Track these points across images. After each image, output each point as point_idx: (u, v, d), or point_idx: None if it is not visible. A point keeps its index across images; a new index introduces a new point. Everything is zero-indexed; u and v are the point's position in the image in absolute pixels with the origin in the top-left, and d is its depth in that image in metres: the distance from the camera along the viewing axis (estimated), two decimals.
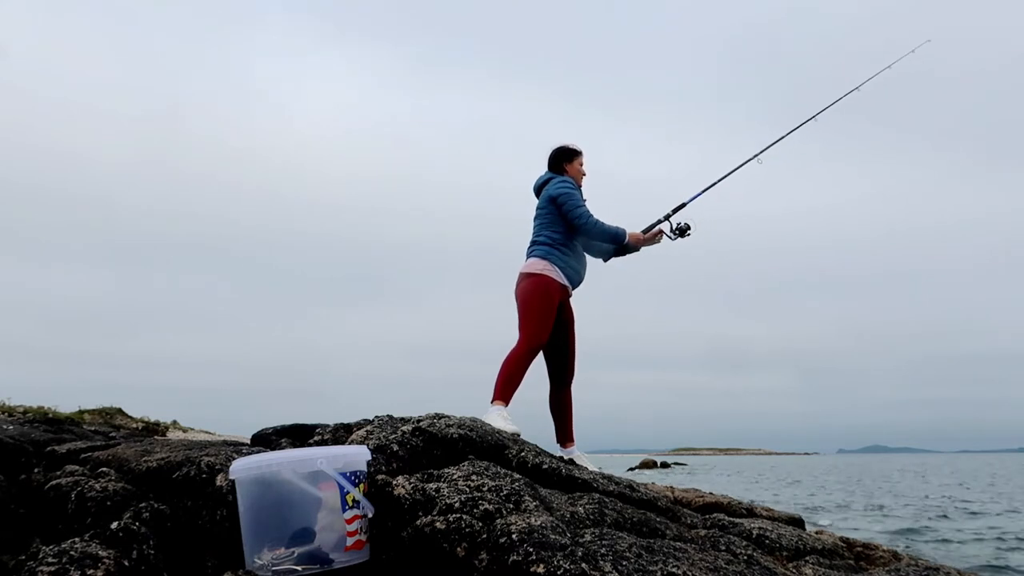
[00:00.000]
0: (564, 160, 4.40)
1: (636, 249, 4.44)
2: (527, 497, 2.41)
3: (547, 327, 4.14)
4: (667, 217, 4.43)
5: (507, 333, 4.24)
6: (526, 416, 4.06)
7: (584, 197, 4.38)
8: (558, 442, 4.36)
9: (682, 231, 4.40)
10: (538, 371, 4.18)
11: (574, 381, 4.41)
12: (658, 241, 4.43)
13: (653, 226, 4.41)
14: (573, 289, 4.33)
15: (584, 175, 4.43)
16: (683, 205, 4.44)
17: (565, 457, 3.96)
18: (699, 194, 4.48)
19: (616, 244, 4.31)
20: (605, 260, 4.51)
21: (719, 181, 4.53)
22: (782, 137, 4.69)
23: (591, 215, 4.20)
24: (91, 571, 1.91)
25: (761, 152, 4.61)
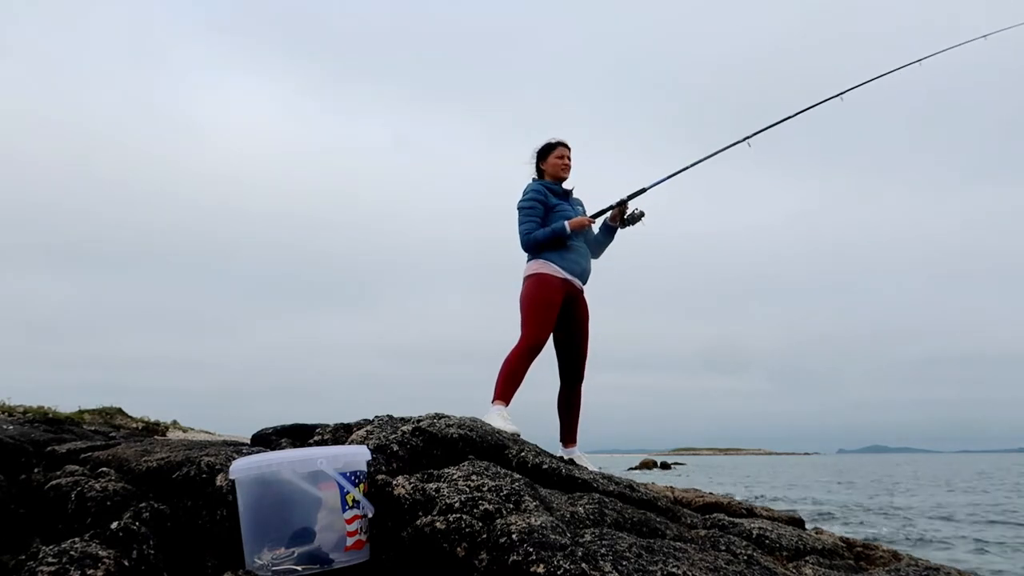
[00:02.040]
0: (540, 160, 4.38)
1: (612, 233, 4.40)
2: (527, 497, 2.42)
3: (546, 326, 4.13)
4: (622, 203, 4.35)
5: (506, 334, 4.24)
6: (526, 416, 4.06)
7: (568, 187, 4.36)
8: (561, 441, 4.35)
9: (633, 219, 4.35)
10: (538, 372, 4.18)
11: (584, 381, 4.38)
12: (617, 223, 4.37)
13: (604, 211, 4.37)
14: (582, 283, 4.28)
15: (567, 166, 4.36)
16: (643, 190, 4.37)
17: (565, 457, 3.96)
18: (662, 180, 4.39)
19: (562, 238, 4.20)
20: (596, 256, 4.47)
21: (691, 167, 4.45)
22: (772, 124, 4.65)
23: (529, 232, 4.17)
24: (91, 571, 1.91)
25: (751, 136, 4.57)
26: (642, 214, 4.35)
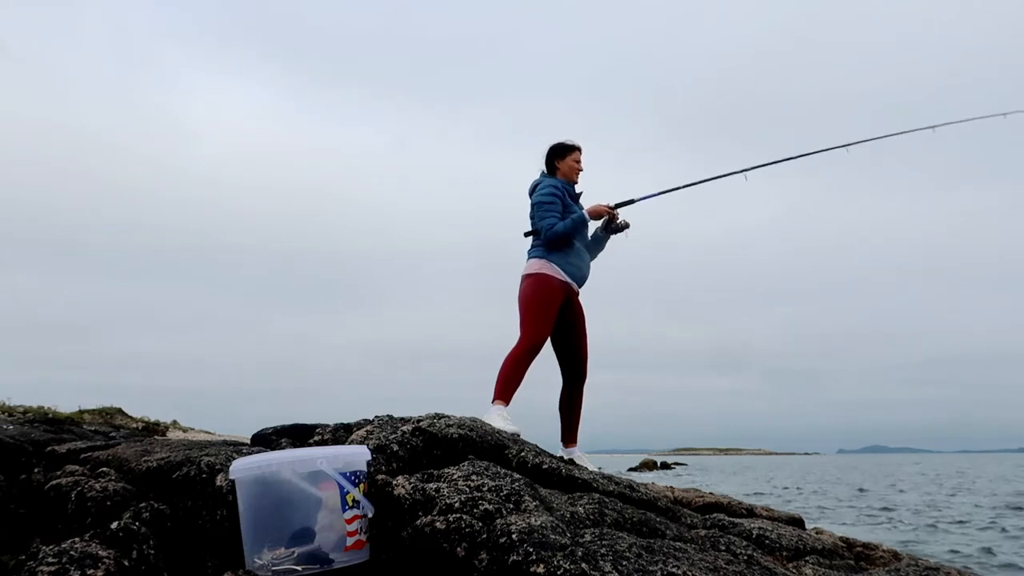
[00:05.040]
0: (556, 158, 4.35)
1: (606, 236, 4.40)
2: (527, 497, 2.42)
3: (546, 327, 4.12)
4: (620, 205, 4.34)
5: (505, 335, 4.23)
6: (526, 416, 4.06)
7: (579, 191, 4.36)
8: (561, 441, 4.35)
9: (618, 228, 4.34)
10: (538, 372, 4.18)
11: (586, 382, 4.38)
12: (608, 224, 4.35)
13: (623, 203, 4.35)
14: (579, 286, 4.28)
15: (580, 170, 4.36)
16: (631, 201, 4.36)
17: (565, 457, 3.95)
18: (653, 195, 4.39)
19: (584, 226, 4.23)
20: (594, 255, 4.47)
21: (682, 187, 4.47)
22: (772, 162, 4.73)
23: (554, 224, 4.13)
24: (91, 571, 1.91)
25: (748, 169, 4.62)
26: (627, 225, 4.35)
